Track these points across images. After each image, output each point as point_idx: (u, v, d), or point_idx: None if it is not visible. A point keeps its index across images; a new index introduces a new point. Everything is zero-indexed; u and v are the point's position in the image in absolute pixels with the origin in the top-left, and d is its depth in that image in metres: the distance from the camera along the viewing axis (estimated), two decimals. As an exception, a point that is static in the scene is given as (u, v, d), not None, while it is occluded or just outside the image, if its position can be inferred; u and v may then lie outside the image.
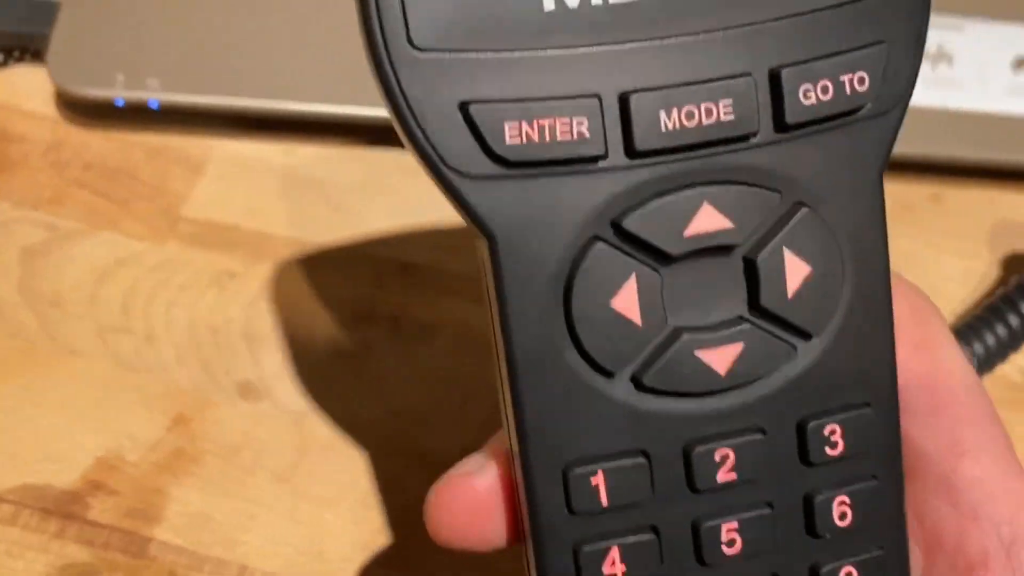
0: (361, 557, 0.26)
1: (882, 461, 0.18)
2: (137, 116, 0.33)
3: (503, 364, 0.17)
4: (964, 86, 0.37)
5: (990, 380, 0.32)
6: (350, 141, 0.34)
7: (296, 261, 0.31)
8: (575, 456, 0.17)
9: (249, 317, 0.30)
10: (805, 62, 0.16)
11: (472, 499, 0.19)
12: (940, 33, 0.38)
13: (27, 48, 0.34)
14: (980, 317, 0.32)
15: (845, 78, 0.16)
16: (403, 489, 0.28)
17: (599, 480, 0.17)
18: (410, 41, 0.15)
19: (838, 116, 0.16)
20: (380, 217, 0.33)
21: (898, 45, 0.17)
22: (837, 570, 0.19)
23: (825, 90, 0.16)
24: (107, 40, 0.33)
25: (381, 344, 0.30)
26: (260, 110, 0.32)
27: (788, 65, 0.16)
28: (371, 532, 0.27)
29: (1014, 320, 0.31)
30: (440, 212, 0.32)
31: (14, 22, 0.33)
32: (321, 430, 0.28)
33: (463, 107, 0.15)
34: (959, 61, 0.37)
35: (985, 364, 0.31)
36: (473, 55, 0.15)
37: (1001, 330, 0.31)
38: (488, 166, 0.16)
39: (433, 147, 0.16)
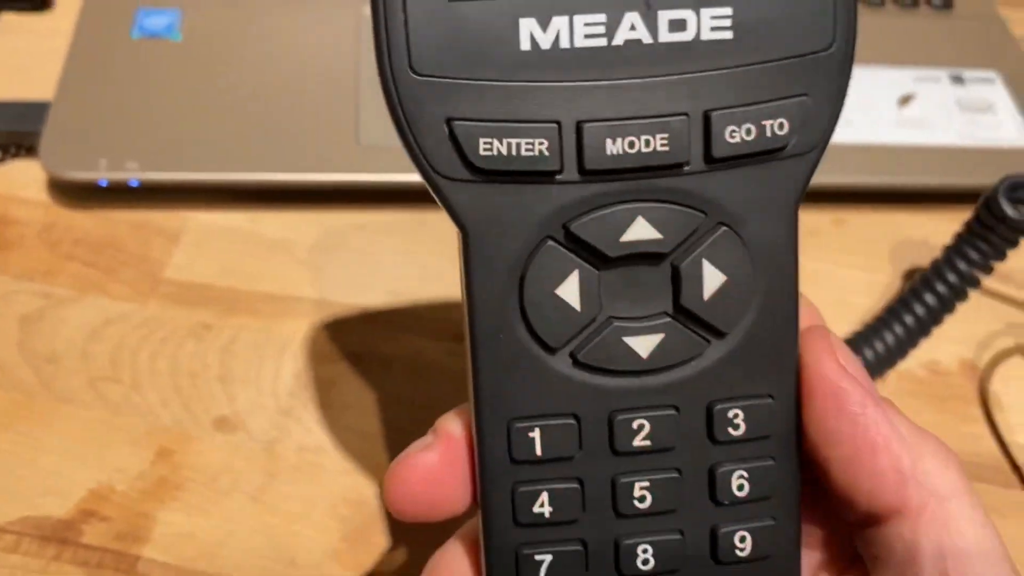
0: (328, 562, 0.29)
1: (779, 445, 0.22)
2: (119, 195, 0.37)
3: (467, 336, 0.21)
4: (856, 123, 0.42)
5: (895, 375, 0.36)
6: (307, 205, 0.38)
7: (264, 311, 0.35)
8: (518, 413, 0.21)
9: (223, 362, 0.34)
10: (733, 107, 0.19)
11: (424, 470, 0.22)
12: (831, 79, 0.43)
13: (21, 144, 0.39)
14: (879, 320, 0.35)
15: (767, 123, 0.19)
16: (364, 501, 0.31)
17: (536, 435, 0.21)
18: (411, 67, 0.19)
19: (760, 154, 0.20)
20: (338, 269, 0.37)
21: (819, 98, 0.20)
22: (732, 533, 0.22)
23: (749, 132, 0.19)
24: (91, 131, 0.37)
25: (345, 377, 0.34)
26: (227, 182, 0.37)
27: (718, 109, 0.19)
28: (336, 540, 0.30)
29: (909, 320, 0.35)
30: (392, 262, 0.37)
31: (9, 122, 0.38)
32: (289, 455, 0.32)
33: (448, 122, 0.19)
34: (852, 101, 0.42)
35: (887, 361, 0.35)
36: (460, 81, 0.19)
37: (899, 330, 0.34)
38: (465, 172, 0.19)
39: (423, 152, 0.19)
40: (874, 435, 0.20)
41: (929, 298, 0.34)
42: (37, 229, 0.37)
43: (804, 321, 0.21)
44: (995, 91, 0.44)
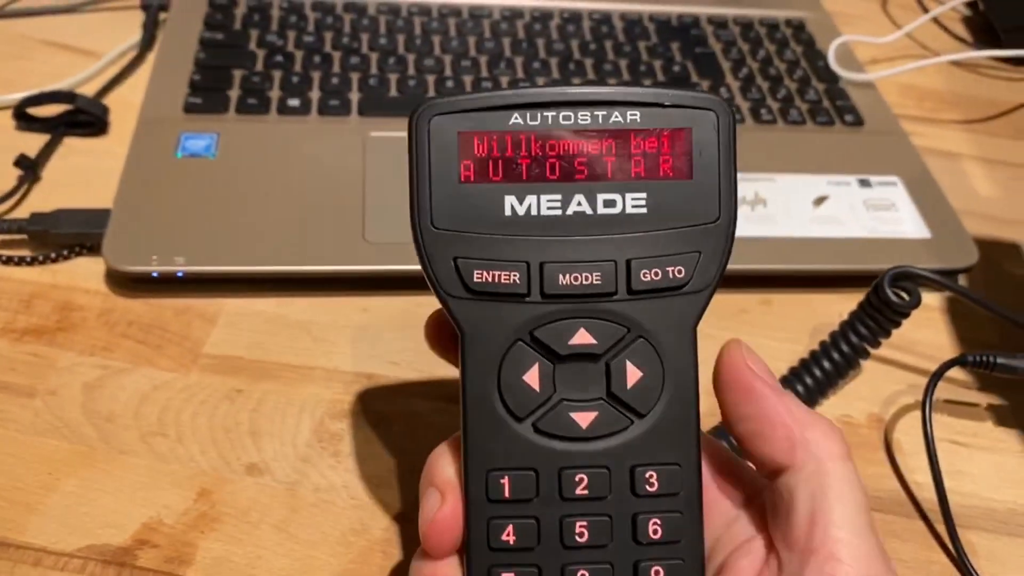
0: (340, 580, 0.36)
1: (686, 500, 0.28)
2: (167, 284, 0.45)
3: (462, 406, 0.28)
4: (777, 220, 0.50)
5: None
6: (323, 291, 0.46)
7: (286, 378, 0.42)
8: (494, 465, 0.28)
9: (252, 419, 0.41)
10: (647, 257, 0.27)
11: (449, 519, 0.28)
12: (757, 184, 0.51)
13: (84, 245, 0.46)
14: (782, 380, 0.42)
15: (670, 268, 0.28)
16: (368, 531, 0.37)
17: (505, 481, 0.28)
18: (432, 223, 0.27)
19: (665, 290, 0.28)
20: (347, 344, 0.44)
21: (708, 254, 0.28)
22: (649, 567, 0.28)
23: (657, 274, 0.28)
24: (145, 232, 0.45)
25: (352, 432, 0.40)
26: (256, 273, 0.45)
27: (636, 258, 0.27)
28: (346, 562, 0.36)
29: (808, 381, 0.42)
30: (391, 337, 0.44)
31: (78, 225, 0.45)
32: (307, 494, 0.38)
33: (454, 259, 0.27)
34: (772, 202, 0.50)
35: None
36: (464, 233, 0.27)
37: (800, 389, 0.41)
38: (464, 292, 0.28)
39: (437, 279, 0.28)
40: (773, 414, 0.28)
41: (825, 364, 0.41)
42: (97, 313, 0.44)
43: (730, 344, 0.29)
44: (897, 192, 0.52)
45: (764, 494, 0.29)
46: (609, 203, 0.27)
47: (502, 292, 0.27)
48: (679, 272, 0.27)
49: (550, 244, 0.27)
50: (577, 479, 0.28)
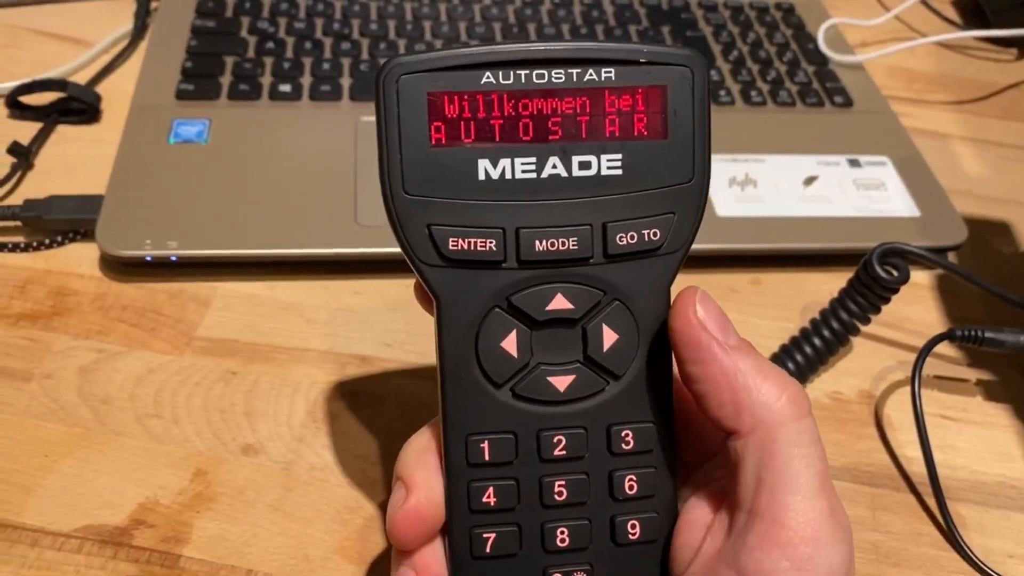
0: (335, 556, 0.36)
1: (660, 457, 0.29)
2: (160, 269, 0.45)
3: (439, 374, 0.28)
4: (767, 200, 0.50)
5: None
6: (314, 274, 0.46)
7: (279, 360, 0.43)
8: (473, 430, 0.28)
9: (247, 400, 0.41)
10: (622, 220, 0.27)
11: (412, 514, 0.28)
12: (747, 165, 0.51)
13: (78, 231, 0.46)
14: (773, 357, 0.43)
15: (646, 231, 0.27)
16: (361, 508, 0.37)
17: (485, 446, 0.28)
18: (404, 189, 0.27)
19: (641, 252, 0.28)
20: (339, 326, 0.44)
21: (683, 216, 0.28)
22: (626, 522, 0.29)
23: (632, 237, 0.27)
24: (137, 217, 0.45)
25: (345, 412, 0.41)
26: (248, 256, 0.45)
27: (612, 222, 0.27)
28: (341, 540, 0.36)
29: (799, 357, 0.42)
30: (382, 319, 0.44)
31: (71, 212, 0.46)
32: (301, 473, 0.38)
33: (428, 227, 0.27)
34: (762, 183, 0.51)
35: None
36: (437, 199, 0.27)
37: (790, 366, 0.42)
38: (438, 260, 0.27)
39: (411, 247, 0.27)
40: (719, 376, 0.27)
41: (816, 341, 0.41)
42: (91, 297, 0.44)
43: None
44: (886, 172, 0.53)
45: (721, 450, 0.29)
46: (584, 165, 0.27)
47: (478, 260, 0.27)
48: (654, 235, 0.27)
49: (525, 209, 0.27)
50: (555, 440, 0.28)
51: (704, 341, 0.27)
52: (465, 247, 0.27)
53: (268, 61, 0.56)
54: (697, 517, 0.29)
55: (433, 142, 0.26)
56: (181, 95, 0.53)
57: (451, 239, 0.27)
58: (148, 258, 0.44)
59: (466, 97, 0.26)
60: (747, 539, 0.26)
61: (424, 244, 0.27)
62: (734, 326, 0.28)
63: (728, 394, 0.27)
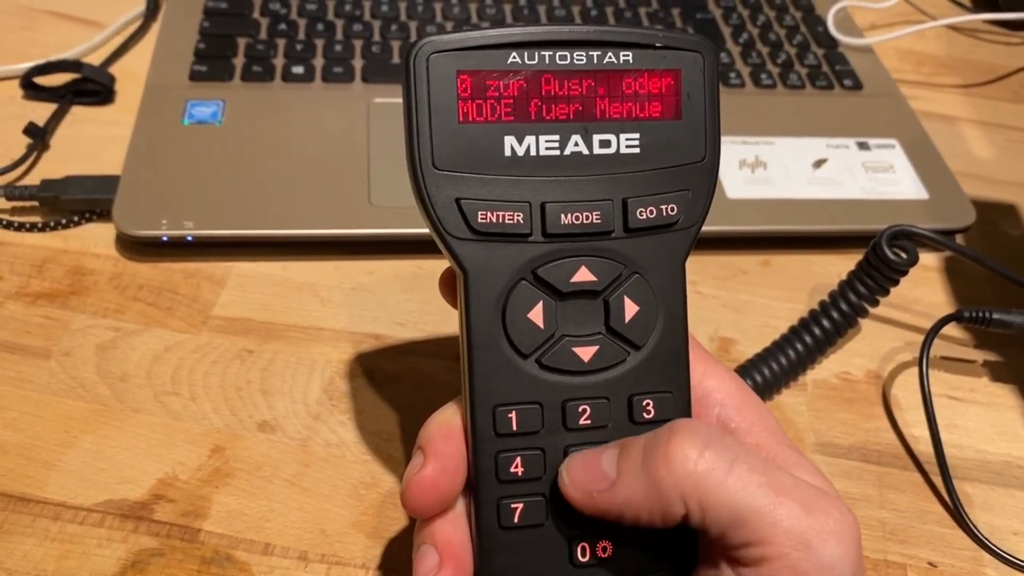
0: (351, 531, 0.37)
1: None
2: (176, 248, 0.45)
3: (464, 346, 0.29)
4: (776, 182, 0.50)
5: (813, 382, 0.44)
6: (328, 255, 0.47)
7: (295, 339, 0.43)
8: (500, 401, 0.29)
9: (263, 378, 0.41)
10: (641, 196, 0.28)
11: (428, 482, 0.28)
12: (757, 147, 0.52)
13: (94, 211, 0.47)
14: (783, 339, 0.43)
15: (663, 207, 0.29)
16: (377, 484, 0.38)
17: (512, 416, 0.28)
18: (433, 164, 0.27)
19: (659, 227, 0.29)
20: (353, 305, 0.45)
21: (697, 192, 0.29)
22: None
23: (651, 212, 0.28)
24: (154, 198, 0.46)
25: (360, 390, 0.41)
26: (263, 236, 0.45)
27: (631, 197, 0.28)
28: (357, 515, 0.37)
29: (808, 339, 0.42)
30: (396, 299, 0.45)
31: (87, 192, 0.46)
32: (318, 449, 0.39)
33: (457, 201, 0.28)
34: (772, 165, 0.51)
35: (791, 371, 0.42)
36: (466, 174, 0.28)
37: (799, 346, 0.42)
38: (467, 233, 0.28)
39: (440, 221, 0.28)
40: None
41: (825, 322, 0.42)
42: (108, 276, 0.45)
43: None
44: (895, 155, 0.53)
45: None
46: (604, 143, 0.28)
47: (506, 232, 0.28)
48: (671, 210, 0.28)
49: (550, 184, 0.28)
50: (580, 410, 0.29)
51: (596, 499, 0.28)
52: (494, 220, 0.28)
53: (281, 43, 0.56)
54: None
55: (461, 118, 0.27)
56: (195, 76, 0.53)
57: (480, 212, 0.27)
58: (164, 238, 0.44)
59: (494, 75, 0.27)
60: None
61: (454, 217, 0.28)
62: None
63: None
